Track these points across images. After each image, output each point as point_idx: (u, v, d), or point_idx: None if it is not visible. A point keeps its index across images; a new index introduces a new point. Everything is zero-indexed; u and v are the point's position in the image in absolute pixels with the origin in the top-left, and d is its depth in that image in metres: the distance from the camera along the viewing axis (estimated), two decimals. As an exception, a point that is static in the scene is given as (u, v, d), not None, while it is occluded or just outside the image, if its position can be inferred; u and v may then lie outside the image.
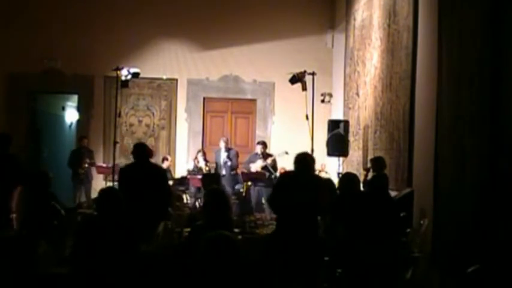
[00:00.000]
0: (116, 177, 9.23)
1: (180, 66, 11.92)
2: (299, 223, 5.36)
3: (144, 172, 6.40)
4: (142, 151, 6.56)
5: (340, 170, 9.47)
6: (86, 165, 10.75)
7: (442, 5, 6.02)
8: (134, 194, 5.99)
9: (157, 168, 7.04)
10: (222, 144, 10.47)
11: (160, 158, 10.85)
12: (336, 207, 5.90)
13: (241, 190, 10.24)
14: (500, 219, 4.58)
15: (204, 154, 10.65)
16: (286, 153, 10.33)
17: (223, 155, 10.34)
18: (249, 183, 10.22)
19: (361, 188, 7.10)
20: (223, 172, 10.23)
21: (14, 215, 6.61)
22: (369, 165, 7.87)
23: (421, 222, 6.10)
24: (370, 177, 7.33)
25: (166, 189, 6.68)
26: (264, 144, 10.51)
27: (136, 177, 6.34)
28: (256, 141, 11.01)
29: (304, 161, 5.73)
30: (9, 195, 6.59)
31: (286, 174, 7.04)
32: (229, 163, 10.27)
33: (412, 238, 5.96)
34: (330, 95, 11.34)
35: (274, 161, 10.27)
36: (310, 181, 5.62)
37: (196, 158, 10.67)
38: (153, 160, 7.74)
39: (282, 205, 5.52)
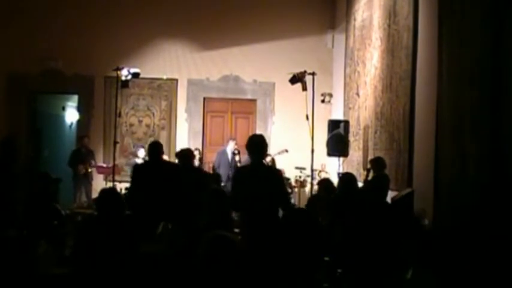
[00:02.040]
0: (116, 177, 9.28)
1: (180, 67, 11.92)
2: (263, 218, 5.22)
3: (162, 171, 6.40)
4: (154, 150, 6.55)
5: (340, 170, 9.47)
6: (90, 170, 10.78)
7: (442, 5, 6.02)
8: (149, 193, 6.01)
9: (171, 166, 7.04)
10: (232, 145, 10.44)
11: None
12: (335, 207, 5.90)
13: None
14: (500, 219, 4.58)
15: (200, 153, 10.70)
16: (286, 151, 10.37)
17: (233, 156, 10.28)
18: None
19: (361, 188, 7.10)
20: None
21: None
22: (368, 166, 7.88)
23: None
24: (370, 177, 7.33)
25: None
26: None
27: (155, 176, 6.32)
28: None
29: (260, 148, 5.52)
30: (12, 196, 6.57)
31: (240, 169, 6.90)
32: (239, 165, 10.26)
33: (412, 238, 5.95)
34: (330, 95, 11.36)
35: (273, 161, 10.29)
36: (267, 171, 5.52)
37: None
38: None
39: (244, 202, 5.41)
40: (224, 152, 10.54)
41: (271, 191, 5.28)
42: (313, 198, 6.74)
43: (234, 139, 10.77)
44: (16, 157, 6.31)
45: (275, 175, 5.59)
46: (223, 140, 11.77)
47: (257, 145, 5.50)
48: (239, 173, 6.08)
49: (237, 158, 10.32)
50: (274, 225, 5.23)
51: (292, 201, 10.42)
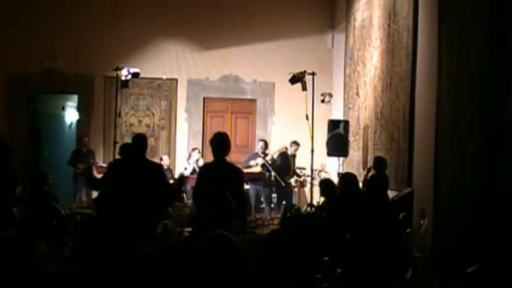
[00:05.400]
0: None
1: (180, 66, 11.92)
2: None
3: (137, 169, 5.88)
4: (137, 144, 6.01)
5: (340, 170, 9.48)
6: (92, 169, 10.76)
7: (442, 5, 6.02)
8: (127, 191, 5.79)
9: (153, 165, 6.38)
10: (261, 147, 10.40)
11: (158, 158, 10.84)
12: (336, 207, 5.90)
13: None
14: (500, 219, 4.58)
15: (200, 152, 10.72)
16: (286, 148, 10.38)
17: (260, 161, 10.22)
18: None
19: (361, 188, 7.11)
20: None
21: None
22: (369, 164, 7.89)
23: (421, 222, 6.10)
24: (369, 177, 7.35)
25: (164, 188, 6.32)
26: (265, 143, 10.54)
27: (129, 174, 5.82)
28: (258, 139, 11.04)
29: (222, 146, 5.40)
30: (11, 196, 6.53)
31: (204, 166, 6.74)
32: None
33: (412, 238, 5.96)
34: (330, 95, 11.36)
35: (273, 160, 10.29)
36: (228, 170, 5.41)
37: (190, 156, 10.71)
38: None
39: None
40: (254, 155, 10.48)
41: (229, 189, 5.24)
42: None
43: (262, 140, 10.77)
44: (9, 156, 6.15)
45: (235, 174, 5.51)
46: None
47: (219, 143, 5.46)
48: (201, 170, 6.01)
49: (267, 157, 10.29)
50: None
51: (294, 201, 10.47)
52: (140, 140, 6.08)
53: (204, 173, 5.74)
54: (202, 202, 5.12)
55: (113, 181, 5.84)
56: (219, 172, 5.38)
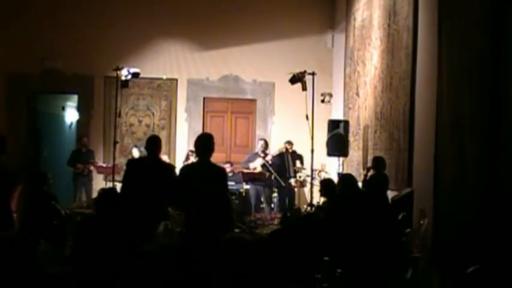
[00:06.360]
0: (116, 177, 9.26)
1: (180, 66, 11.92)
2: (205, 216, 5.16)
3: (151, 168, 6.08)
4: (152, 144, 6.22)
5: (340, 170, 9.48)
6: (91, 169, 10.77)
7: (442, 5, 6.02)
8: (138, 190, 5.86)
9: (166, 166, 6.65)
10: (261, 146, 10.40)
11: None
12: (336, 207, 5.90)
13: (241, 190, 10.22)
14: (500, 219, 4.58)
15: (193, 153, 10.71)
16: (286, 147, 10.39)
17: (260, 161, 10.23)
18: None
19: (361, 188, 7.11)
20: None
21: (14, 215, 6.59)
22: (369, 164, 7.89)
23: (421, 222, 6.10)
24: (369, 176, 7.35)
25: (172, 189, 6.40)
26: (266, 143, 10.54)
27: (144, 173, 6.02)
28: (259, 139, 11.04)
29: (207, 147, 5.47)
30: (9, 196, 6.51)
31: (186, 166, 6.75)
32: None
33: (412, 238, 5.96)
34: (330, 95, 11.35)
35: (274, 159, 10.29)
36: (211, 171, 5.45)
37: (188, 158, 10.68)
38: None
39: (188, 200, 5.33)
40: (254, 155, 10.48)
41: (213, 190, 5.25)
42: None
43: (262, 139, 10.77)
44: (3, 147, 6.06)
45: (218, 174, 5.55)
46: (223, 140, 11.79)
47: (204, 144, 5.51)
48: (184, 170, 6.03)
49: (267, 157, 10.28)
50: (215, 224, 5.15)
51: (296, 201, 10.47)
52: (154, 142, 6.26)
53: (186, 173, 5.74)
54: (186, 203, 5.13)
55: (131, 183, 5.92)
56: (202, 172, 5.40)
